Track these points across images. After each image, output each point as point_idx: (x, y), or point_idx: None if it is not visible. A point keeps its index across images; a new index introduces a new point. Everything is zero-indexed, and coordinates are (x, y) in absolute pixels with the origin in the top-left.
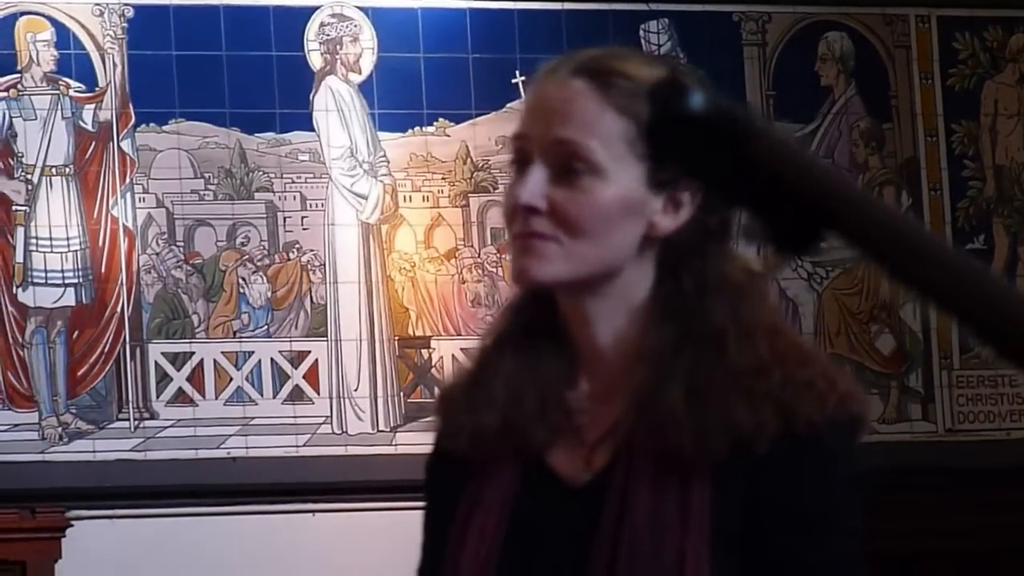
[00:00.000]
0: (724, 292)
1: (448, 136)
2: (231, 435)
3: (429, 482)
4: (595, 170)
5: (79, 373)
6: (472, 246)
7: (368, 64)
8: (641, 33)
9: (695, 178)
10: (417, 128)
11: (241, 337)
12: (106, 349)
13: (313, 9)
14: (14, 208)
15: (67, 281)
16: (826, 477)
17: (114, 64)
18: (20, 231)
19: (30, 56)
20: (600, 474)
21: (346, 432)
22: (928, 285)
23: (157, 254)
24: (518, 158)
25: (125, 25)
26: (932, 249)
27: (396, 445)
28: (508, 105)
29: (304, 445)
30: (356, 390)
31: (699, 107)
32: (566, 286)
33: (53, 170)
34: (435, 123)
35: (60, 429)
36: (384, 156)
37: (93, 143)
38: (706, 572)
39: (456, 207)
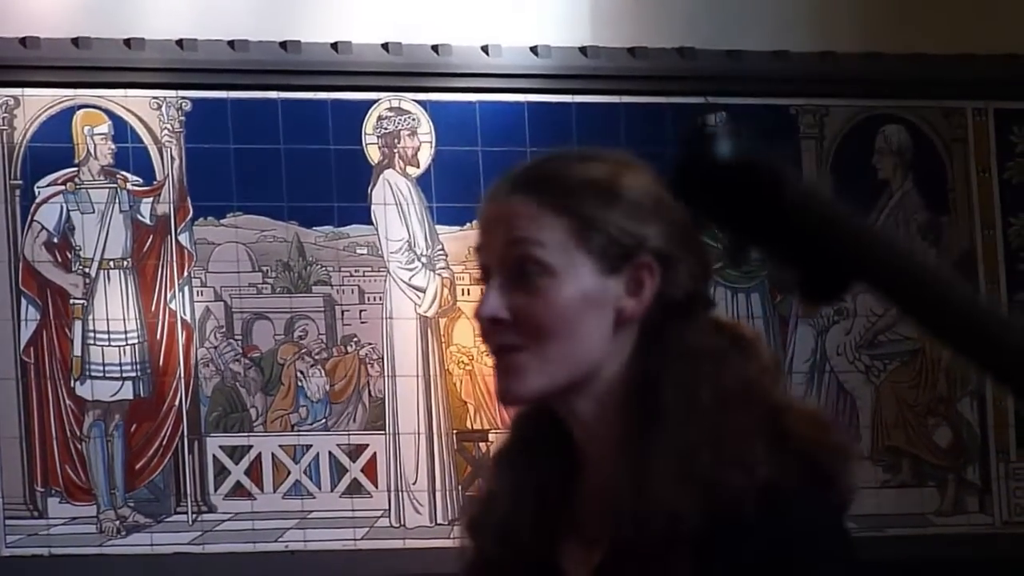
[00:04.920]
0: (682, 365)
1: None
2: (289, 528)
3: None
4: (547, 270)
5: (137, 466)
6: None
7: (426, 157)
8: None
9: (721, 226)
10: (475, 222)
11: (299, 431)
12: (164, 442)
13: (371, 103)
14: (72, 302)
15: (125, 375)
16: (790, 566)
17: (172, 157)
18: (78, 325)
19: (87, 149)
20: (595, 570)
21: (404, 525)
22: (952, 336)
23: (215, 347)
24: (482, 275)
25: (183, 118)
26: (958, 301)
27: (454, 538)
28: None
29: (362, 538)
30: (414, 483)
31: (727, 154)
32: (550, 396)
33: (111, 264)
34: None
35: (118, 522)
36: (442, 249)
37: (151, 236)
38: None
39: None
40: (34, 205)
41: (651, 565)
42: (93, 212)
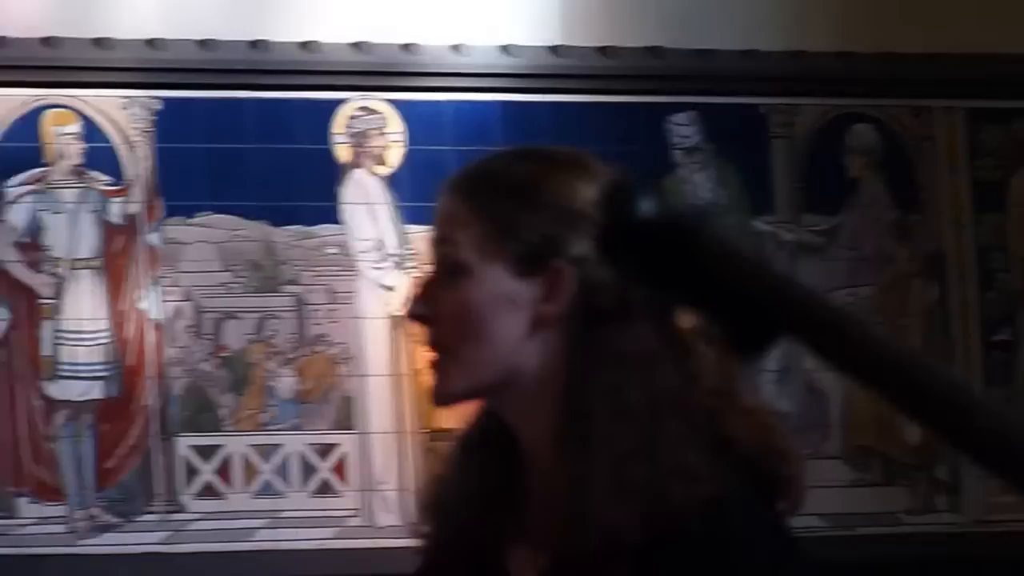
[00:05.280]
0: (609, 369)
1: None
2: (259, 528)
3: None
4: (463, 270)
5: (107, 466)
6: None
7: (396, 157)
8: (668, 126)
9: (648, 283)
10: None
11: (269, 430)
12: (134, 442)
13: (340, 102)
14: (41, 302)
15: (95, 374)
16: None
17: (141, 157)
18: (48, 325)
19: (57, 149)
20: (542, 574)
21: (374, 525)
22: (878, 384)
23: (185, 347)
24: None
25: (152, 118)
26: (883, 349)
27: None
28: None
29: (333, 538)
30: (384, 483)
31: (649, 212)
32: (475, 395)
33: (81, 263)
34: None
35: (89, 522)
36: (412, 249)
37: (121, 236)
38: None
39: None
40: (3, 205)
41: (595, 574)
42: (63, 212)
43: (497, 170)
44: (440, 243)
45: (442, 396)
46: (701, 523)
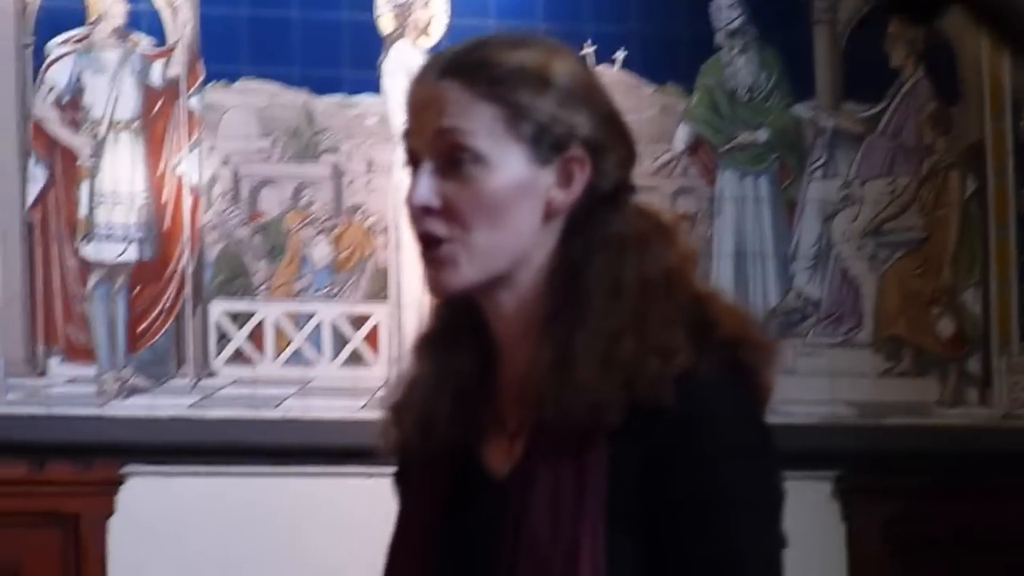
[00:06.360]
0: (608, 252)
1: None
2: (289, 396)
3: (394, 490)
4: (478, 158)
5: (139, 329)
6: None
7: (438, 29)
8: (712, 8)
9: None
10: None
11: (303, 298)
12: (167, 306)
13: None
14: (79, 162)
15: (130, 236)
16: (697, 455)
17: (184, 21)
18: (85, 185)
19: (100, 10)
20: (518, 462)
21: None
22: None
23: (221, 212)
24: (410, 160)
25: None
26: None
27: None
28: None
29: (362, 408)
30: None
31: None
32: (482, 286)
33: (120, 125)
34: None
35: (118, 384)
36: None
37: (161, 99)
38: (600, 554)
39: None
40: (45, 64)
41: (571, 453)
42: (104, 73)
43: (500, 56)
44: (446, 132)
45: (447, 288)
46: (677, 399)
